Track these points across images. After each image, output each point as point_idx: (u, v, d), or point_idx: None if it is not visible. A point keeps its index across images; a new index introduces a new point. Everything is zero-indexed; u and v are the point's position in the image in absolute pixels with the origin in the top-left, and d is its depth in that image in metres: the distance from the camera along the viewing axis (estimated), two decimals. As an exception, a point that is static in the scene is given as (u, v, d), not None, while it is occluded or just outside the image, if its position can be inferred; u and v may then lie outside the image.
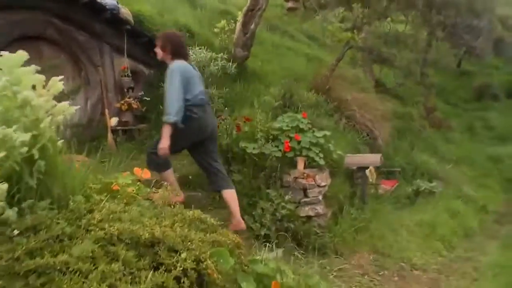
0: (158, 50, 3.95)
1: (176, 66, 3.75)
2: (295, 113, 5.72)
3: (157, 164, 3.87)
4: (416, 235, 4.98)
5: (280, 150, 4.89)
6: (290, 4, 8.28)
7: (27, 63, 2.22)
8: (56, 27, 5.49)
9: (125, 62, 6.34)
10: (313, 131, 5.21)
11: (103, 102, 6.10)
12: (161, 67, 6.67)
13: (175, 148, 3.74)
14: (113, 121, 6.10)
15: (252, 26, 6.97)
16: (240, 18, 7.11)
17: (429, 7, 6.94)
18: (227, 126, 5.28)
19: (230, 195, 4.01)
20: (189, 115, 3.71)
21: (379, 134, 7.46)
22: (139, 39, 6.46)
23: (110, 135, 5.89)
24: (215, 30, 7.56)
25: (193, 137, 3.89)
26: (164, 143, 3.60)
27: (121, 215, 2.02)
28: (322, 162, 4.93)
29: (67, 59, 5.80)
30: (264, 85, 7.34)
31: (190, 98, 3.73)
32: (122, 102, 6.18)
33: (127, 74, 6.26)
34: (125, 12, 6.11)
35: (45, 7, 5.35)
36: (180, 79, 3.67)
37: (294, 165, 4.93)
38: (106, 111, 6.05)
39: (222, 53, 6.29)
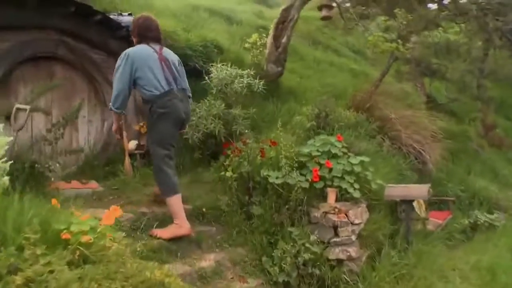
0: (133, 38, 3.93)
1: (129, 50, 3.66)
2: (330, 135, 5.05)
3: (162, 188, 3.71)
4: (471, 282, 4.09)
5: (307, 180, 4.22)
6: (324, 13, 7.62)
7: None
8: (69, 46, 5.16)
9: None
10: (348, 157, 4.50)
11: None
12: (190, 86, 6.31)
13: (160, 139, 3.69)
14: (131, 144, 5.66)
15: (284, 40, 6.38)
16: (271, 31, 6.55)
17: (484, 11, 6.05)
18: (249, 151, 4.68)
19: None
20: (158, 106, 3.59)
21: (429, 158, 6.55)
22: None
23: (127, 160, 5.41)
24: (246, 45, 7.03)
25: (165, 130, 3.68)
26: (113, 128, 4.07)
27: (49, 279, 1.49)
28: (357, 194, 4.20)
29: (81, 79, 5.46)
30: (300, 104, 6.70)
31: (150, 88, 3.59)
32: (141, 124, 5.75)
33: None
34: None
35: (56, 26, 5.04)
36: (127, 64, 3.59)
37: (323, 198, 4.23)
38: (124, 133, 5.60)
39: (249, 70, 5.72)
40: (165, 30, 5.98)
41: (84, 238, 1.94)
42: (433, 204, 6.07)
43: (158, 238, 3.50)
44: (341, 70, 9.05)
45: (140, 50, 3.69)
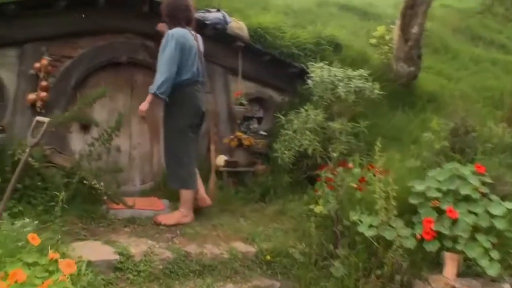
0: (164, 18, 3.80)
1: (174, 32, 3.57)
2: (468, 162, 3.45)
3: (181, 178, 3.72)
4: None
5: (414, 236, 2.80)
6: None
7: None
8: (150, 50, 4.59)
9: (242, 86, 5.10)
10: (489, 202, 2.89)
11: (209, 135, 4.94)
12: (295, 90, 5.30)
13: (180, 128, 3.69)
14: (220, 160, 4.87)
15: (415, 30, 4.84)
16: (397, 20, 5.05)
17: None
18: (342, 181, 3.42)
19: None
20: (183, 94, 3.62)
21: None
22: (260, 58, 5.13)
23: (213, 178, 4.66)
24: (372, 41, 5.64)
25: (190, 119, 3.72)
26: (142, 106, 3.57)
27: None
28: (494, 269, 2.59)
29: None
30: (440, 114, 5.07)
31: (183, 75, 3.59)
32: (232, 137, 4.92)
33: (241, 102, 4.97)
34: (236, 26, 4.86)
35: (134, 28, 4.54)
36: (176, 48, 3.50)
37: (437, 267, 2.75)
38: (212, 147, 4.86)
39: (362, 70, 4.40)
40: (265, 28, 5.09)
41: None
42: None
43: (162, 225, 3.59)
44: (507, 71, 6.83)
45: (184, 35, 3.61)
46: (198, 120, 3.85)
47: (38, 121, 3.08)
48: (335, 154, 3.88)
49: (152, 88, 3.50)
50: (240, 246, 3.47)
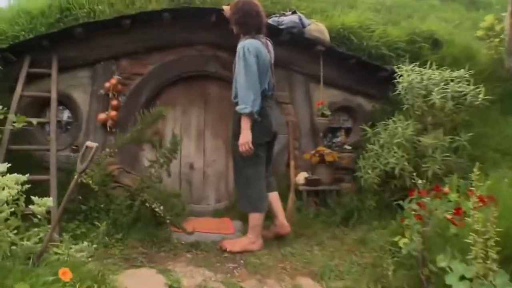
0: (232, 25, 3.43)
1: (248, 44, 3.22)
2: None
3: (249, 200, 3.39)
4: None
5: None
6: None
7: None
8: (222, 61, 4.33)
9: (326, 95, 4.57)
10: None
11: (289, 150, 4.50)
12: (387, 97, 4.62)
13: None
14: (300, 177, 4.42)
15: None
16: (509, 6, 4.05)
17: None
18: (430, 213, 2.73)
19: (273, 196, 3.58)
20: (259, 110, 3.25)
21: None
22: (345, 62, 4.55)
23: (292, 197, 4.23)
24: (479, 33, 4.67)
25: (261, 137, 3.33)
26: (245, 137, 3.16)
27: None
28: None
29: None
30: None
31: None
32: (313, 152, 4.42)
33: (323, 113, 4.45)
34: (315, 28, 4.35)
35: (204, 40, 4.33)
36: (254, 60, 3.18)
37: None
38: (292, 163, 4.43)
39: (463, 70, 3.58)
40: (349, 28, 4.51)
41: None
42: None
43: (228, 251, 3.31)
44: None
45: (259, 47, 3.28)
46: (270, 138, 3.50)
47: (87, 146, 2.97)
48: (427, 175, 3.17)
49: (245, 108, 3.15)
50: (306, 284, 2.97)
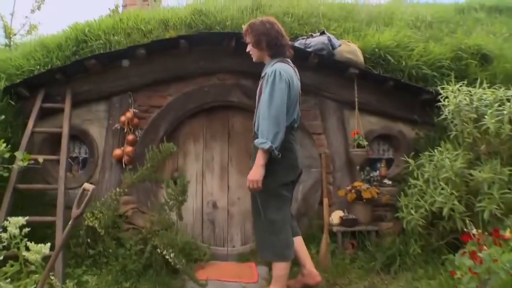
0: (250, 48, 2.99)
1: (281, 69, 2.77)
2: None
3: (273, 248, 2.87)
4: None
5: None
6: None
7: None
8: (245, 90, 3.99)
9: (362, 122, 4.09)
10: None
11: (322, 186, 4.01)
12: (431, 122, 4.08)
13: (271, 184, 2.77)
14: (335, 217, 3.91)
15: None
16: None
17: None
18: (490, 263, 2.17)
19: (298, 241, 3.06)
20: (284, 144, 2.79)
21: None
22: (382, 85, 4.07)
23: (325, 239, 3.73)
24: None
25: (287, 175, 2.88)
26: (256, 174, 2.68)
27: None
28: None
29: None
30: None
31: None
32: (349, 188, 3.92)
33: (359, 143, 3.96)
34: (347, 49, 3.92)
35: (225, 68, 4.01)
36: (286, 90, 2.73)
37: None
38: (325, 200, 3.92)
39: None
40: (385, 45, 4.06)
41: None
42: None
43: None
44: None
45: (291, 73, 2.85)
46: (295, 177, 3.01)
47: (84, 189, 2.67)
48: (483, 216, 2.60)
49: (264, 143, 2.65)
50: None
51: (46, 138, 3.97)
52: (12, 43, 5.74)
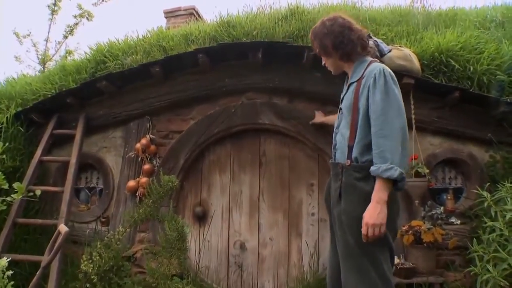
0: (325, 60, 2.24)
1: (385, 68, 2.00)
2: None
3: None
4: None
5: None
6: None
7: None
8: (278, 110, 3.42)
9: (422, 145, 3.31)
10: None
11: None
12: (508, 144, 3.22)
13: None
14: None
15: None
16: None
17: None
18: None
19: None
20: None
21: None
22: (445, 97, 3.28)
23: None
24: None
25: (397, 219, 2.00)
26: (380, 213, 1.80)
27: None
28: None
29: (307, 155, 3.53)
30: None
31: None
32: (405, 228, 3.14)
33: (417, 171, 3.18)
34: (398, 55, 3.19)
35: (253, 84, 3.47)
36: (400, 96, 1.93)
37: None
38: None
39: None
40: (447, 49, 3.30)
41: None
42: None
43: None
44: None
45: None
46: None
47: (59, 231, 2.22)
48: None
49: (392, 168, 1.82)
50: None
51: (59, 167, 3.65)
52: (46, 69, 5.66)
